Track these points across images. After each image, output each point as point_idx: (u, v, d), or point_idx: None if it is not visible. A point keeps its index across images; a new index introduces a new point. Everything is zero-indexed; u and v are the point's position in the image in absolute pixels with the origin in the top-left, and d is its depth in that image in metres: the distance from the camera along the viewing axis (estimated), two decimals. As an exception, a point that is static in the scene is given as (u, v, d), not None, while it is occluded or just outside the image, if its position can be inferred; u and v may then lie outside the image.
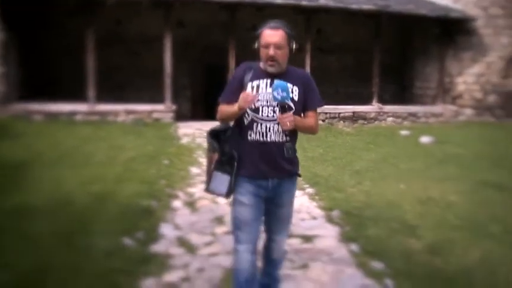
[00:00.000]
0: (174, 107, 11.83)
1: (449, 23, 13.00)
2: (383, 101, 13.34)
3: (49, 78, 13.01)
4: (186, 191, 5.91)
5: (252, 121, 2.71)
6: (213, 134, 2.82)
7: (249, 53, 10.99)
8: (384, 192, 6.08)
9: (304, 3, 11.75)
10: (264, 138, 2.71)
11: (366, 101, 13.38)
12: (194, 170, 7.00)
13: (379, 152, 8.84)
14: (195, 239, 4.37)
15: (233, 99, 2.71)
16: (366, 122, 12.51)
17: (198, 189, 5.87)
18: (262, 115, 2.70)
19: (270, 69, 2.71)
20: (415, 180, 6.72)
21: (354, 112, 12.48)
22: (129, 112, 11.40)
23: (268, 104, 2.70)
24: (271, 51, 2.64)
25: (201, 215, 5.03)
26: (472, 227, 4.90)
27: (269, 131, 2.70)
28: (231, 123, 2.86)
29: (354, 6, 12.06)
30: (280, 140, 2.72)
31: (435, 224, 4.98)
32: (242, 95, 2.62)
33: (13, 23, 11.08)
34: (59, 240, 3.99)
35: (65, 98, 11.78)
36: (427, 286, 3.60)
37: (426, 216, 5.22)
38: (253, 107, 2.69)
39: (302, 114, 2.82)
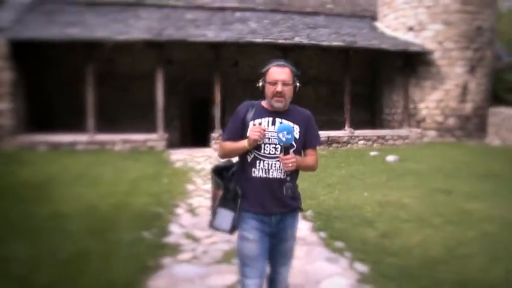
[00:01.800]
0: (166, 136, 13.03)
1: (410, 55, 14.57)
2: (355, 126, 14.69)
3: (48, 111, 14.16)
4: (185, 201, 7.08)
5: (255, 158, 2.78)
6: (217, 171, 2.89)
7: (230, 86, 12.82)
8: (350, 199, 7.32)
9: (280, 41, 13.20)
10: (266, 174, 2.77)
11: (339, 126, 14.73)
12: (190, 187, 8.19)
13: (348, 170, 10.10)
14: (198, 233, 5.54)
15: (237, 137, 2.82)
16: (339, 146, 13.83)
17: (195, 201, 7.07)
18: (264, 152, 2.77)
19: (277, 105, 2.79)
20: (377, 190, 7.97)
21: (328, 137, 13.80)
22: (125, 141, 12.56)
23: (270, 141, 2.77)
24: (279, 88, 2.74)
25: (200, 218, 6.19)
26: (418, 220, 6.15)
27: (271, 167, 2.77)
28: (234, 160, 2.93)
29: (325, 43, 13.57)
30: (282, 177, 2.78)
31: (389, 219, 6.21)
32: (253, 128, 2.72)
33: (20, 63, 12.26)
34: (93, 235, 5.14)
35: (64, 129, 12.93)
36: (375, 257, 4.80)
37: (382, 214, 6.46)
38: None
39: (302, 152, 2.91)
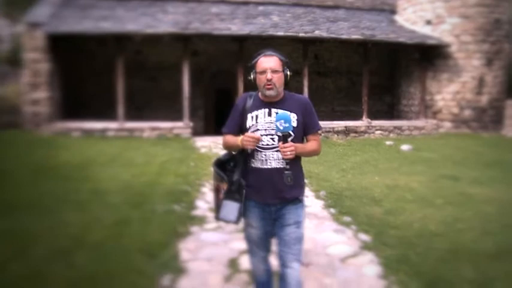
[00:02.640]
0: (191, 124, 13.77)
1: (428, 48, 14.99)
2: (373, 116, 15.20)
3: (81, 100, 15.04)
4: (210, 182, 7.74)
5: (254, 150, 2.83)
6: (219, 164, 2.96)
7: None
8: (361, 182, 7.92)
9: (301, 34, 13.77)
10: (265, 165, 2.84)
11: (358, 117, 15.26)
12: (214, 169, 8.90)
13: (363, 157, 10.68)
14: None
15: (236, 129, 2.94)
16: (356, 135, 14.38)
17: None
18: (261, 144, 2.82)
19: (269, 93, 2.84)
20: (388, 175, 8.55)
21: (346, 126, 14.35)
22: (153, 129, 13.34)
23: (267, 132, 2.83)
24: (269, 76, 2.78)
25: (224, 196, 6.88)
26: (421, 201, 6.73)
27: (269, 158, 2.83)
28: (234, 154, 2.98)
29: (344, 36, 14.10)
30: (281, 167, 2.81)
31: (395, 199, 6.81)
32: (248, 137, 2.77)
33: (56, 54, 13.12)
34: (131, 207, 5.89)
35: (95, 117, 13.78)
36: (378, 229, 5.41)
37: (390, 195, 7.05)
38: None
39: (303, 139, 2.96)
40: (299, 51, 14.42)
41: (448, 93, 15.30)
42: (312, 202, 6.57)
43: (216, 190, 2.97)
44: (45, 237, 4.66)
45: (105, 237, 4.75)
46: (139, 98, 15.46)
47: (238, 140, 2.83)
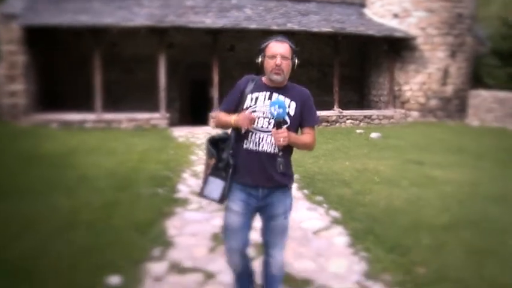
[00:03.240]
0: (168, 115, 14.09)
1: (395, 41, 15.64)
2: (344, 106, 15.78)
3: (58, 92, 15.18)
4: (190, 168, 8.18)
5: (248, 130, 2.79)
6: (213, 142, 2.94)
7: (227, 69, 14.02)
8: (332, 167, 8.45)
9: (274, 27, 14.20)
10: (257, 147, 2.80)
11: (330, 107, 15.80)
12: (193, 157, 9.28)
13: (335, 145, 11.21)
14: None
15: (232, 108, 2.89)
16: (328, 124, 14.94)
17: (198, 168, 8.13)
18: (257, 125, 2.79)
19: (275, 78, 2.81)
20: (357, 160, 9.10)
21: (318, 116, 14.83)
22: (130, 120, 13.63)
23: (264, 115, 2.79)
24: (278, 61, 2.77)
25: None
26: (388, 183, 7.27)
27: (262, 140, 2.79)
28: (230, 132, 2.96)
29: (315, 29, 14.62)
30: (272, 151, 2.78)
31: (364, 181, 7.33)
32: (243, 115, 2.74)
33: (32, 46, 13.24)
34: (117, 190, 6.27)
35: (72, 108, 13.96)
36: (348, 207, 5.91)
37: (359, 178, 7.58)
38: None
39: (299, 131, 2.93)
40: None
41: (415, 83, 15.99)
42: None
43: (206, 166, 2.95)
44: (41, 219, 5.01)
45: (96, 217, 5.12)
46: (116, 90, 15.64)
47: (231, 117, 2.81)
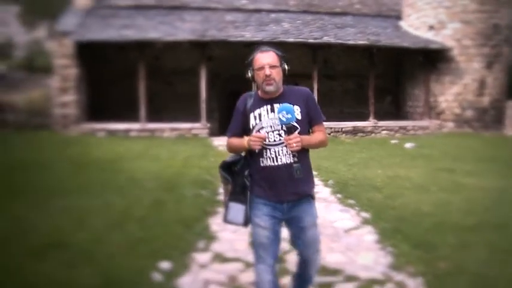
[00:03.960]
0: (208, 125, 14.72)
1: (430, 52, 15.84)
2: (379, 117, 16.03)
3: (104, 102, 16.05)
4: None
5: (262, 148, 2.77)
6: (225, 167, 2.93)
7: None
8: (366, 174, 8.79)
9: (310, 40, 14.69)
10: (275, 162, 2.80)
11: (366, 118, 16.09)
12: (232, 164, 9.82)
13: (369, 154, 11.53)
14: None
15: (239, 131, 2.89)
16: (364, 135, 15.24)
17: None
18: (269, 141, 2.79)
19: (268, 89, 2.81)
20: (390, 168, 9.40)
21: (353, 127, 15.23)
22: (172, 129, 14.32)
23: (273, 129, 2.80)
24: (267, 71, 2.76)
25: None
26: (418, 188, 7.57)
27: (278, 154, 2.79)
28: (243, 153, 2.95)
29: (351, 42, 15.02)
30: (291, 161, 2.77)
31: (395, 187, 7.66)
32: (253, 137, 2.73)
33: (82, 60, 14.15)
34: (164, 191, 6.84)
35: (118, 118, 14.76)
36: (378, 209, 6.27)
37: (390, 184, 7.91)
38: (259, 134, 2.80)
39: (309, 131, 2.94)
40: (309, 56, 15.34)
41: (451, 94, 16.11)
42: (321, 189, 7.46)
43: (225, 191, 2.99)
44: (97, 213, 5.62)
45: (146, 213, 5.69)
46: (158, 100, 16.41)
47: (244, 141, 2.80)
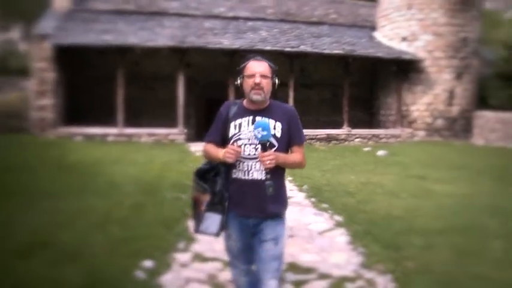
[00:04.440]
0: (185, 131, 14.87)
1: (403, 63, 16.36)
2: (353, 125, 16.44)
3: (82, 107, 16.06)
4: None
5: (236, 159, 2.71)
6: (200, 174, 2.85)
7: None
8: (339, 180, 9.10)
9: (288, 49, 15.03)
10: (246, 176, 2.73)
11: (340, 126, 16.48)
12: (210, 169, 10.02)
13: (342, 161, 11.87)
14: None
15: (218, 138, 2.83)
16: (337, 142, 15.62)
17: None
18: (244, 154, 2.72)
19: (255, 98, 2.74)
20: (363, 175, 9.73)
21: (327, 134, 15.59)
22: (150, 134, 14.43)
23: (250, 142, 2.73)
24: (258, 79, 2.69)
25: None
26: (389, 194, 7.90)
27: (250, 169, 2.73)
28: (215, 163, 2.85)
29: (326, 51, 15.40)
30: (262, 178, 2.70)
31: (367, 193, 7.98)
32: (228, 150, 2.65)
33: (60, 64, 14.16)
34: (144, 194, 7.00)
35: (95, 123, 14.80)
36: (350, 213, 6.55)
37: (362, 190, 8.22)
38: (235, 145, 2.72)
39: (289, 150, 2.84)
40: (286, 65, 15.63)
41: (422, 104, 16.64)
42: (295, 194, 7.74)
43: (195, 201, 2.87)
44: (80, 215, 5.76)
45: (128, 215, 5.86)
46: (136, 106, 16.48)
47: (219, 153, 2.72)
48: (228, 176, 2.79)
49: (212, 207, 2.78)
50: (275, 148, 2.72)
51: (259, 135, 2.62)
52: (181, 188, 7.65)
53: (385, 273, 4.36)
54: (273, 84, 2.83)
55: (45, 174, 8.18)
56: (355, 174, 9.80)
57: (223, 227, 2.81)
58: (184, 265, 4.50)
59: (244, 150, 2.74)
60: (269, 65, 2.82)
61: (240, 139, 2.76)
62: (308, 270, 4.44)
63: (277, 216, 2.84)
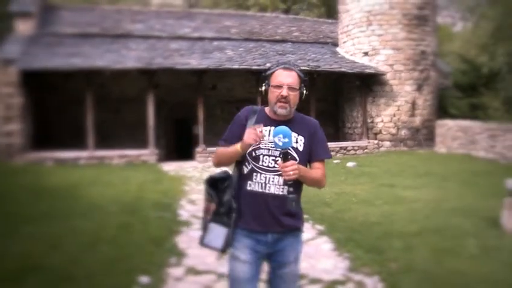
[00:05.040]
0: (157, 151, 14.90)
1: (366, 77, 16.93)
2: (321, 139, 16.77)
3: (48, 131, 15.86)
4: (186, 197, 9.00)
5: (252, 170, 2.54)
6: (211, 183, 2.64)
7: (209, 107, 15.12)
8: (313, 191, 9.26)
9: (254, 67, 15.33)
10: (263, 189, 2.53)
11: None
12: (186, 187, 10.11)
13: (315, 173, 12.16)
14: (200, 215, 7.48)
15: (232, 142, 2.57)
16: (307, 156, 15.91)
17: (193, 196, 8.99)
18: (262, 164, 2.53)
19: (280, 111, 2.54)
20: (336, 186, 10.02)
21: (297, 148, 15.87)
22: (121, 156, 14.38)
23: (270, 153, 2.53)
24: (285, 92, 2.49)
25: (200, 207, 8.08)
26: (364, 203, 8.23)
27: (269, 182, 2.52)
28: (231, 172, 2.67)
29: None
30: (280, 193, 2.53)
31: (342, 202, 8.28)
32: (248, 130, 2.45)
33: (27, 88, 14.01)
34: (127, 214, 7.07)
35: (64, 147, 14.64)
36: (330, 222, 6.81)
37: (338, 199, 8.53)
38: (253, 154, 2.54)
39: (308, 166, 2.66)
40: (252, 82, 15.97)
41: (386, 115, 17.23)
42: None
43: (206, 211, 2.66)
44: (67, 237, 5.79)
45: (116, 234, 5.93)
46: (105, 128, 16.40)
47: (236, 145, 2.51)
48: (241, 187, 2.60)
49: (217, 217, 2.58)
50: (296, 162, 2.49)
51: (280, 143, 2.40)
52: (162, 207, 7.75)
53: (372, 275, 4.61)
54: (301, 95, 2.65)
55: (23, 200, 8.11)
56: (328, 185, 9.84)
57: (229, 242, 2.57)
58: (179, 279, 4.63)
59: (263, 161, 2.55)
60: (298, 75, 2.61)
61: (259, 148, 2.56)
62: (299, 276, 4.62)
63: (297, 230, 2.70)
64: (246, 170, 2.59)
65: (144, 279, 4.46)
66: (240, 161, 2.62)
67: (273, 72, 2.60)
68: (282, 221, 2.57)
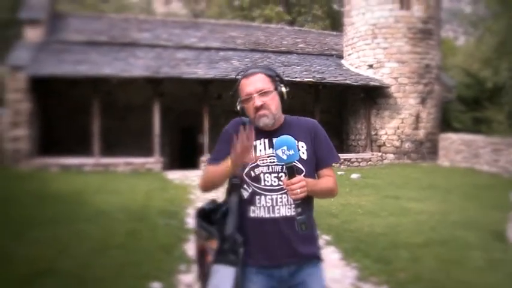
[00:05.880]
0: (162, 159, 14.99)
1: (371, 89, 17.06)
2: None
3: (56, 137, 15.98)
4: (192, 205, 9.06)
5: (253, 193, 2.15)
6: (203, 216, 2.23)
7: (215, 116, 15.26)
8: (319, 202, 9.25)
9: (260, 77, 15.42)
10: (271, 213, 2.14)
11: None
12: (192, 196, 10.17)
13: (319, 184, 12.23)
14: (208, 222, 7.56)
15: (221, 160, 2.16)
16: (311, 167, 15.98)
17: (199, 204, 9.02)
18: (264, 185, 2.15)
19: (264, 122, 2.15)
20: (341, 197, 10.03)
21: (301, 159, 15.95)
22: (126, 164, 14.47)
23: (270, 170, 2.16)
24: (257, 102, 2.12)
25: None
26: (370, 214, 8.28)
27: (276, 204, 2.14)
28: (221, 201, 2.27)
29: (297, 79, 15.92)
30: (292, 214, 2.10)
31: (348, 213, 8.33)
32: (239, 145, 1.99)
33: (35, 94, 14.15)
34: (135, 221, 7.13)
35: (70, 153, 14.75)
36: (337, 232, 6.87)
37: (344, 210, 8.58)
38: (252, 174, 2.17)
39: (315, 175, 2.27)
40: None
41: (390, 128, 17.33)
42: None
43: (200, 252, 2.22)
44: (77, 242, 5.85)
45: (125, 241, 5.99)
46: (111, 135, 16.52)
47: (226, 161, 2.10)
48: (242, 216, 2.17)
49: (222, 257, 2.09)
50: (303, 174, 2.14)
51: (285, 157, 2.00)
52: (169, 214, 7.81)
53: (381, 285, 4.66)
54: (280, 95, 2.25)
55: (29, 205, 8.19)
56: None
57: (239, 284, 2.09)
58: (189, 286, 4.67)
59: (264, 180, 2.16)
60: (266, 74, 2.23)
61: (257, 166, 2.17)
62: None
63: (315, 258, 2.29)
64: (246, 194, 2.19)
65: (156, 285, 4.51)
66: (233, 186, 2.20)
67: (237, 86, 2.24)
68: (298, 249, 2.18)
